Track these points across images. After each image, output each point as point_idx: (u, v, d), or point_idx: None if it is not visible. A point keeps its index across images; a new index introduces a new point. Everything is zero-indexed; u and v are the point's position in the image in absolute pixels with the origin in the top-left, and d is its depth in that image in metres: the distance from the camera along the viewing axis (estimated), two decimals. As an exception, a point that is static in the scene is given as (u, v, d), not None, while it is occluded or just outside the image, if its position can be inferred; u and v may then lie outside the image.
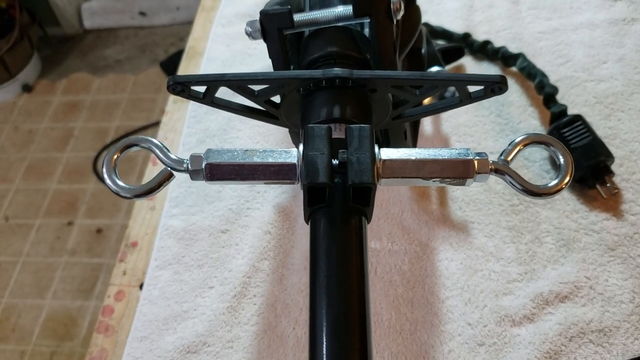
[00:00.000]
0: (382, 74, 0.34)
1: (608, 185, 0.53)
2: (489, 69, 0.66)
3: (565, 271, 0.50)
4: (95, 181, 1.76)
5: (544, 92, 0.59)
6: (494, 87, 0.33)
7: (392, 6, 0.35)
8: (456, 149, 0.31)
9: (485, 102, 0.63)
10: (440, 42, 0.68)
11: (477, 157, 0.31)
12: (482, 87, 0.34)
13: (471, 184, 0.32)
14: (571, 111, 0.58)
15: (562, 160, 0.31)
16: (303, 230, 0.55)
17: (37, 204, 1.74)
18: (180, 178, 0.60)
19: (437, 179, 0.31)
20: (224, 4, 0.79)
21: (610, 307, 0.48)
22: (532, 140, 0.32)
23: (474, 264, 0.52)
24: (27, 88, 2.02)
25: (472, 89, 0.35)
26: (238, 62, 0.71)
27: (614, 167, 0.55)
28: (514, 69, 0.65)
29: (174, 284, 0.53)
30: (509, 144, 0.32)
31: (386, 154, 0.31)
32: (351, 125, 0.31)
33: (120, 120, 1.89)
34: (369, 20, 0.36)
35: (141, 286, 0.54)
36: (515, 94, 0.63)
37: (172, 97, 0.70)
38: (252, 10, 0.77)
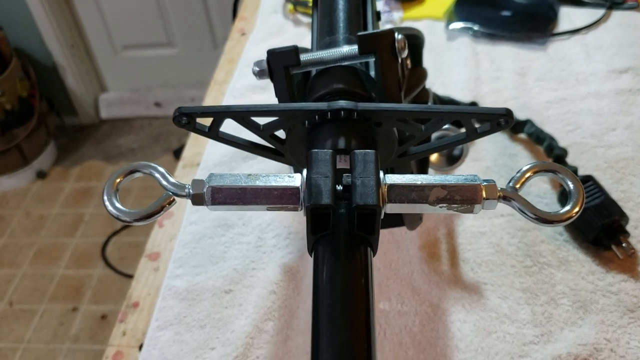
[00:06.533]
0: (387, 106, 0.34)
1: (624, 245, 0.52)
2: (497, 136, 0.66)
3: (584, 333, 0.48)
4: (102, 267, 1.75)
5: (554, 154, 0.59)
6: (500, 120, 0.33)
7: (396, 44, 0.36)
8: (463, 175, 0.31)
9: (494, 167, 0.62)
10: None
11: (485, 183, 0.30)
12: (488, 123, 0.34)
13: (479, 211, 0.31)
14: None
15: (571, 186, 0.30)
16: (309, 291, 0.54)
17: (43, 289, 1.72)
18: (186, 239, 0.60)
19: (444, 205, 0.30)
20: (236, 77, 0.80)
21: (633, 371, 0.46)
22: (541, 169, 0.32)
23: (487, 325, 0.50)
24: (41, 175, 2.04)
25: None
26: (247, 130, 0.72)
27: (629, 229, 0.53)
28: (522, 135, 0.65)
29: (175, 345, 0.51)
30: (517, 172, 0.32)
31: (391, 178, 0.30)
32: (355, 151, 0.30)
33: (132, 206, 1.87)
34: (374, 60, 0.37)
35: (140, 347, 0.52)
36: (524, 159, 0.63)
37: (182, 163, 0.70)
38: (263, 83, 0.78)
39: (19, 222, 1.92)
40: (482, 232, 0.56)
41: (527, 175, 0.31)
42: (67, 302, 1.68)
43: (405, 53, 0.37)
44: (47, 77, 2.09)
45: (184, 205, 0.64)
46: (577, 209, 0.30)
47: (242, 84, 0.79)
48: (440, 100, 0.69)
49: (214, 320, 0.52)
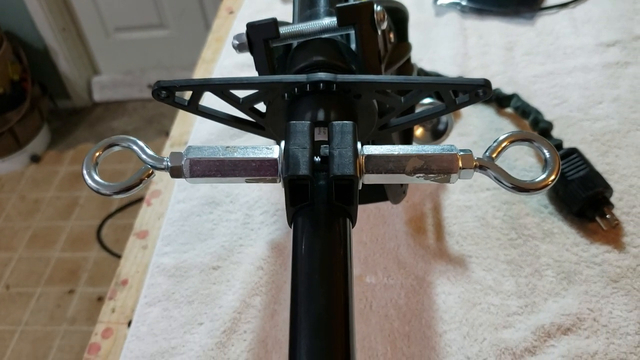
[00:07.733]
0: (366, 78, 0.34)
1: (608, 217, 0.52)
2: (484, 111, 0.66)
3: (567, 303, 0.48)
4: (98, 249, 1.75)
5: (539, 128, 0.59)
6: (478, 91, 0.33)
7: (375, 16, 0.36)
8: (440, 146, 0.31)
9: (481, 142, 0.63)
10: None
11: (462, 153, 0.30)
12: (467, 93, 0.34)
13: (456, 181, 0.31)
14: (567, 147, 0.58)
15: (547, 154, 0.31)
16: (296, 266, 0.54)
17: (39, 272, 1.72)
18: (174, 217, 0.60)
19: (421, 175, 0.30)
20: (224, 56, 0.80)
21: (615, 339, 0.46)
22: (517, 138, 0.32)
23: (472, 297, 0.50)
24: (35, 158, 2.04)
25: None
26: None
27: (613, 201, 0.54)
28: (508, 109, 0.65)
29: (163, 321, 0.52)
30: (494, 141, 0.32)
31: (369, 149, 0.30)
32: (333, 122, 0.30)
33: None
34: (353, 32, 0.37)
35: (129, 324, 0.53)
36: (511, 133, 0.63)
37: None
38: (250, 60, 0.78)
39: (14, 206, 1.92)
40: (467, 206, 0.57)
41: (504, 144, 0.31)
42: (64, 284, 1.69)
43: (384, 25, 0.37)
44: (39, 61, 2.08)
45: (172, 184, 0.64)
46: (552, 177, 0.30)
47: (229, 62, 0.79)
48: (426, 75, 0.69)
49: (202, 296, 0.53)
